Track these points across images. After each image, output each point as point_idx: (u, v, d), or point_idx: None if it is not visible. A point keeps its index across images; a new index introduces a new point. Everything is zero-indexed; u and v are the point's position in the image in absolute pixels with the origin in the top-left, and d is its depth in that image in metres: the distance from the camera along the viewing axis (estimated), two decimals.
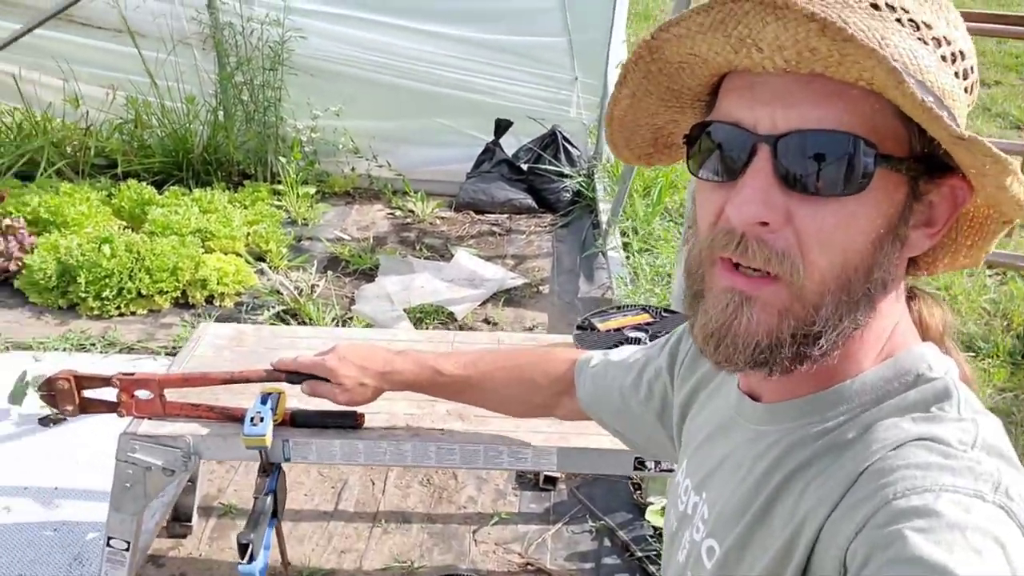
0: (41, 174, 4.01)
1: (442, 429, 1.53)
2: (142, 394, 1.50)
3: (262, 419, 1.41)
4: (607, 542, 2.23)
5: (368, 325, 3.15)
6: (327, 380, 1.39)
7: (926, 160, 0.64)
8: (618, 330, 1.76)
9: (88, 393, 1.50)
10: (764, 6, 0.58)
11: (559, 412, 1.28)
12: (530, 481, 2.43)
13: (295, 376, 1.43)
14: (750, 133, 0.64)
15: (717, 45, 0.63)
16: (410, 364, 1.34)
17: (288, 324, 3.15)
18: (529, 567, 2.14)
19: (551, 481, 2.41)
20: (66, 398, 1.47)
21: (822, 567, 0.62)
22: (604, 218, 3.93)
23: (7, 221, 3.31)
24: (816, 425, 0.70)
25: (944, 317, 0.76)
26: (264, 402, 1.46)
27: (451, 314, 3.30)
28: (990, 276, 3.72)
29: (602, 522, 2.28)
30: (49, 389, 1.47)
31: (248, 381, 1.46)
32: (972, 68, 0.66)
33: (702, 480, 0.83)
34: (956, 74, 0.65)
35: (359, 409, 1.53)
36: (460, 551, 2.17)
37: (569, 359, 1.22)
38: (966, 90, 0.66)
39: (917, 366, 0.69)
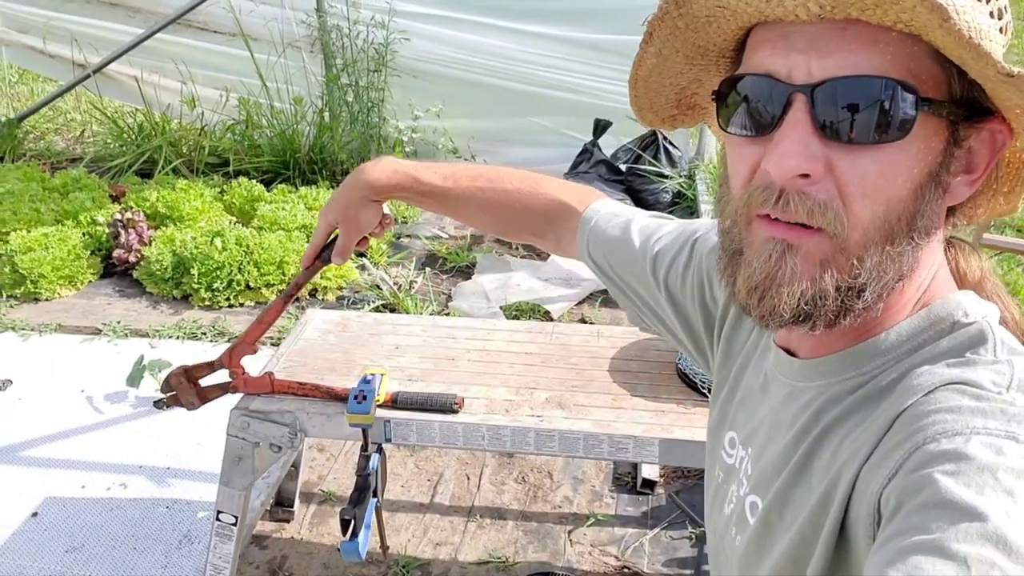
0: (159, 171, 4.22)
1: (540, 416, 1.51)
2: (251, 370, 1.54)
3: (365, 398, 1.42)
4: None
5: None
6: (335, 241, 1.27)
7: (965, 104, 0.62)
8: None
9: (202, 382, 1.56)
10: None
11: (541, 244, 1.20)
12: (627, 484, 2.38)
13: (325, 253, 1.29)
14: (785, 83, 0.61)
15: None
16: (384, 169, 1.20)
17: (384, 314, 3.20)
18: (626, 570, 2.09)
19: (649, 484, 2.35)
20: (186, 393, 1.54)
21: (857, 516, 0.61)
22: (706, 219, 3.83)
23: (128, 215, 3.48)
24: (852, 379, 0.69)
25: (981, 264, 0.73)
26: (367, 382, 1.47)
27: (547, 312, 3.29)
28: None
29: (702, 528, 2.21)
30: (170, 389, 1.54)
31: (299, 287, 1.38)
32: (1006, 7, 0.63)
33: (748, 435, 0.81)
34: (991, 14, 0.61)
35: (459, 394, 1.53)
36: (555, 550, 2.14)
37: (557, 200, 1.12)
38: (1001, 30, 0.62)
39: (952, 313, 0.67)
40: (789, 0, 0.59)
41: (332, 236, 1.27)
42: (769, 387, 0.80)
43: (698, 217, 3.98)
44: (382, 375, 1.50)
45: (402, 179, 1.20)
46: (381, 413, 1.48)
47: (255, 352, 1.49)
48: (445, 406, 1.49)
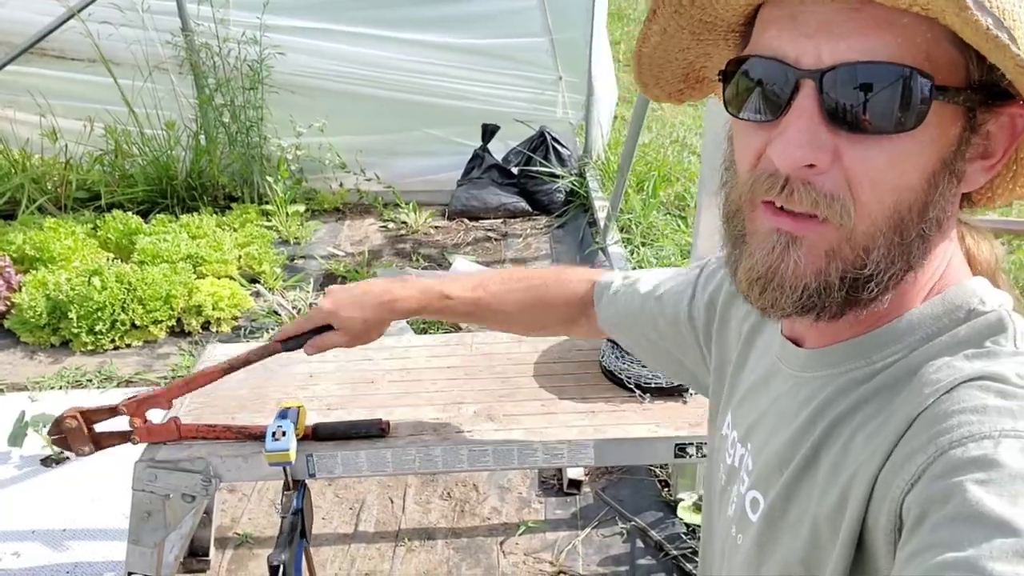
0: (23, 212, 3.92)
1: (471, 431, 1.46)
2: (154, 416, 1.42)
3: (284, 433, 1.34)
4: (639, 543, 2.16)
5: None
6: (327, 328, 1.30)
7: (984, 88, 0.59)
8: None
9: (98, 427, 1.42)
10: None
11: (575, 331, 1.25)
12: (554, 486, 2.36)
13: (294, 341, 1.31)
14: (793, 68, 0.58)
15: None
16: (412, 290, 1.24)
17: None
18: (561, 574, 2.06)
19: (576, 484, 2.34)
20: (78, 438, 1.40)
21: (876, 521, 0.58)
22: (600, 216, 3.88)
23: None
24: (861, 368, 0.66)
25: (993, 251, 0.71)
26: (284, 416, 1.38)
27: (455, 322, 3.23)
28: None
29: (632, 523, 2.21)
30: (59, 431, 1.40)
31: (248, 363, 1.35)
32: None
33: (747, 431, 0.79)
34: None
35: (383, 418, 1.46)
36: (489, 564, 2.09)
37: (586, 280, 1.18)
38: None
39: (968, 301, 0.64)
40: None
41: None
42: (771, 380, 0.77)
43: (592, 213, 4.03)
44: (299, 407, 1.41)
45: (432, 299, 1.22)
46: (302, 447, 1.40)
47: (168, 408, 1.38)
48: (371, 431, 1.42)
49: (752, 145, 0.63)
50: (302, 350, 1.31)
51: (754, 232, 0.64)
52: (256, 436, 1.41)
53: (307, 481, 1.43)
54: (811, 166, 0.58)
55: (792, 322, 0.73)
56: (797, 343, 0.73)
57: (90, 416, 1.40)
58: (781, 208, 0.61)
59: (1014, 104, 0.60)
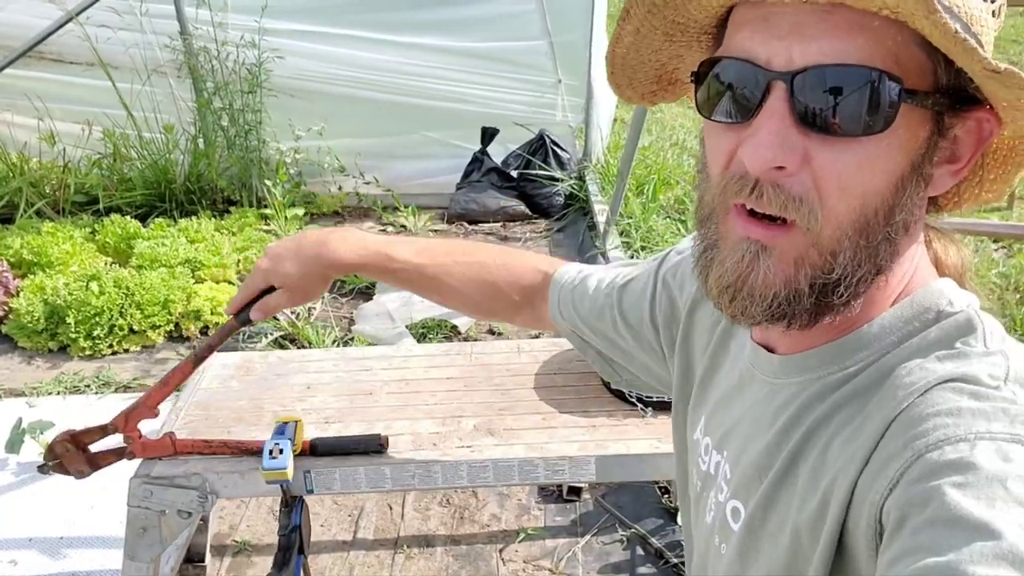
0: (21, 215, 3.91)
1: (471, 446, 1.45)
2: (147, 430, 1.41)
3: (281, 451, 1.33)
4: (640, 550, 2.15)
5: (371, 344, 3.06)
6: (271, 291, 1.20)
7: (952, 93, 0.60)
8: None
9: (93, 447, 1.41)
10: None
11: (519, 319, 1.18)
12: (553, 493, 2.35)
13: (245, 312, 1.21)
14: (764, 69, 0.59)
15: None
16: (352, 244, 1.14)
17: (288, 350, 3.05)
18: None
19: (575, 492, 2.33)
20: (74, 460, 1.39)
21: (856, 525, 0.59)
22: (600, 219, 3.86)
23: None
24: (835, 373, 0.66)
25: (960, 255, 0.72)
26: (281, 432, 1.37)
27: (454, 327, 3.22)
28: (996, 250, 3.68)
29: (633, 530, 2.20)
30: (54, 457, 1.40)
31: (212, 348, 1.30)
32: None
33: (722, 438, 0.78)
34: None
35: (382, 432, 1.45)
36: (488, 572, 2.08)
37: (536, 268, 1.12)
38: (993, 14, 0.61)
39: (936, 302, 0.64)
40: None
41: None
42: (746, 387, 0.76)
43: (592, 217, 4.01)
44: (297, 422, 1.40)
45: (373, 257, 1.14)
46: (299, 464, 1.39)
47: (155, 416, 1.37)
48: (370, 447, 1.41)
49: (723, 147, 0.63)
50: (252, 319, 1.22)
51: (725, 238, 0.64)
52: (253, 452, 1.40)
53: (306, 496, 1.42)
54: (781, 168, 0.59)
55: (764, 329, 0.73)
56: (770, 349, 0.73)
57: (82, 438, 1.39)
58: (751, 212, 0.62)
59: (980, 109, 0.61)
